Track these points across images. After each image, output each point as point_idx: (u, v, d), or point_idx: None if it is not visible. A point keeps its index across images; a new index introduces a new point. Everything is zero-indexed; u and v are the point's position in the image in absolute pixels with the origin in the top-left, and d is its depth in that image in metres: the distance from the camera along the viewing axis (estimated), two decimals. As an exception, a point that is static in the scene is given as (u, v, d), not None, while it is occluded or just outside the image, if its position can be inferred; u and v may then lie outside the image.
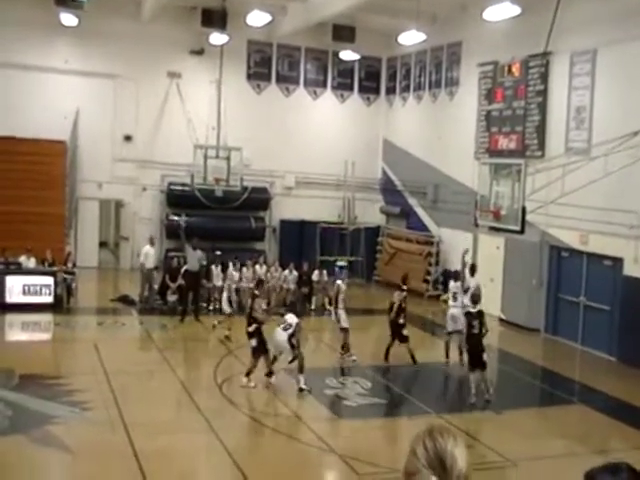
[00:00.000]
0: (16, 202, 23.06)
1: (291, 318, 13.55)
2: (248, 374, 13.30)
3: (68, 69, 24.84)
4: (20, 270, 19.40)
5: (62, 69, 24.76)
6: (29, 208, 23.06)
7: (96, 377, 13.48)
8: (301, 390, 13.12)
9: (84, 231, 25.29)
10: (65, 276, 19.74)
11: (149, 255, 20.64)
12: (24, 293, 18.93)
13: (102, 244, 27.39)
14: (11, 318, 18.21)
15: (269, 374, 13.55)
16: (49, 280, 19.20)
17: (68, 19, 23.63)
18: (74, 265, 20.60)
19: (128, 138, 25.65)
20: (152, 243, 21.22)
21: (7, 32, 23.61)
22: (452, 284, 16.22)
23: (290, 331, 13.28)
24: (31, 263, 19.79)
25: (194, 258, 19.29)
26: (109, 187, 25.49)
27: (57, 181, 24.17)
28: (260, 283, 15.20)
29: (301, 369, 13.21)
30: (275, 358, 13.59)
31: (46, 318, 18.34)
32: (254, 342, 13.43)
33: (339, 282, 16.13)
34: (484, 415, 12.93)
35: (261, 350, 13.46)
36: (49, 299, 19.08)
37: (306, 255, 24.29)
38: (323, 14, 22.79)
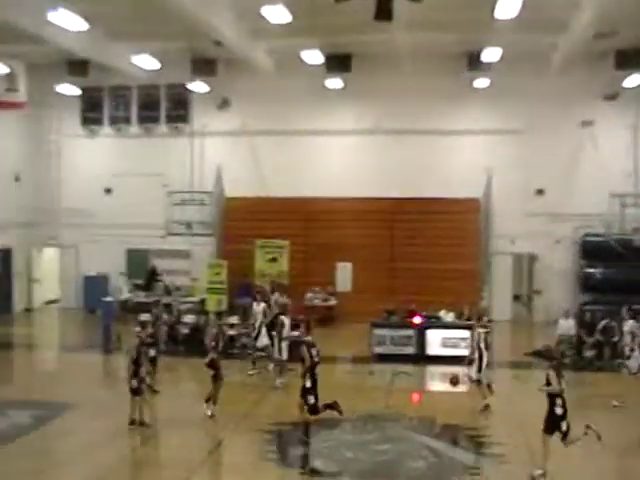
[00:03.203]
0: (432, 259, 24.74)
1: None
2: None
3: (478, 129, 25.92)
4: (439, 324, 20.34)
5: (473, 129, 25.95)
6: (445, 265, 24.50)
7: (510, 431, 13.40)
8: None
9: (498, 285, 25.71)
10: (479, 330, 20.08)
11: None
12: (443, 345, 19.82)
13: (515, 297, 27.51)
14: (432, 369, 19.19)
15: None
16: (466, 334, 19.78)
17: (480, 82, 25.04)
18: (489, 320, 20.90)
19: (540, 192, 25.71)
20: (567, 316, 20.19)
21: (422, 101, 25.60)
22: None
23: None
24: (449, 317, 20.63)
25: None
26: (521, 241, 25.70)
27: (471, 238, 25.21)
28: None
29: None
30: None
31: (460, 370, 18.81)
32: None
33: None
34: None
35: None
36: (465, 352, 19.61)
37: None
38: None
